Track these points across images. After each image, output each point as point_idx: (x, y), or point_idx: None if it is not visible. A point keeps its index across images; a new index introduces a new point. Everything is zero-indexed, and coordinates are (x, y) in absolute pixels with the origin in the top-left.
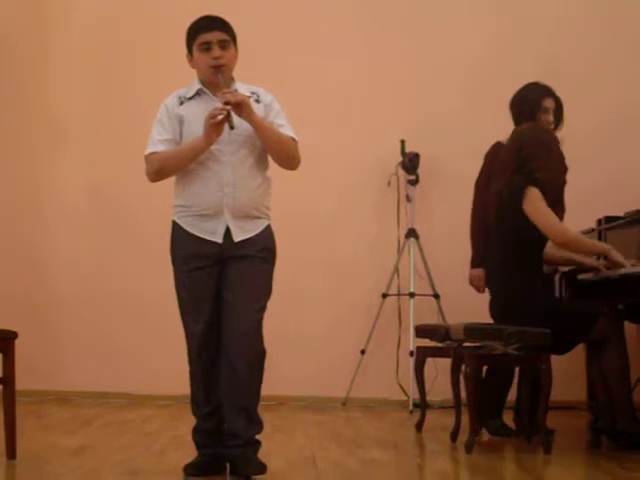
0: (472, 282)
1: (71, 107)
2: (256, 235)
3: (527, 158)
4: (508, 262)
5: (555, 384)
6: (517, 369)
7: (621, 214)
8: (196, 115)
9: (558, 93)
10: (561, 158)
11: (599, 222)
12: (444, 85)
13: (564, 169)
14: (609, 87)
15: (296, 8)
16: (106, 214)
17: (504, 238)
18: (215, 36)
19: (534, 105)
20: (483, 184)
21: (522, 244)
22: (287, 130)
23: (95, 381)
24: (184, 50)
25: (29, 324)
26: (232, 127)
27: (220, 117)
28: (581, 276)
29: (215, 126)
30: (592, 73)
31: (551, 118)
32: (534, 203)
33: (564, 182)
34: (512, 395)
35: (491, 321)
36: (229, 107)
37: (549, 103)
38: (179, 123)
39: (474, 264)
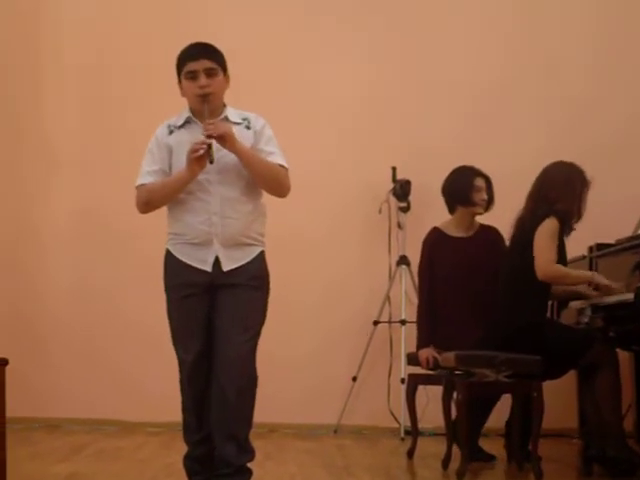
0: (424, 361)
1: (63, 131)
2: (247, 263)
3: (548, 189)
4: (519, 288)
5: (546, 412)
6: (506, 397)
7: (612, 241)
8: (184, 145)
9: (553, 119)
10: (577, 196)
11: (590, 249)
12: (436, 113)
13: (578, 208)
14: (608, 113)
15: (291, 32)
16: (100, 236)
17: (520, 263)
18: (201, 65)
19: (466, 187)
20: (426, 270)
21: (531, 273)
22: (277, 157)
23: (86, 408)
24: (176, 76)
25: (20, 350)
26: (212, 161)
27: (201, 152)
28: (573, 303)
29: (196, 160)
30: (589, 102)
31: (485, 196)
32: (545, 231)
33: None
34: (502, 422)
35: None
36: (210, 141)
37: (480, 182)
38: (168, 153)
39: (423, 343)
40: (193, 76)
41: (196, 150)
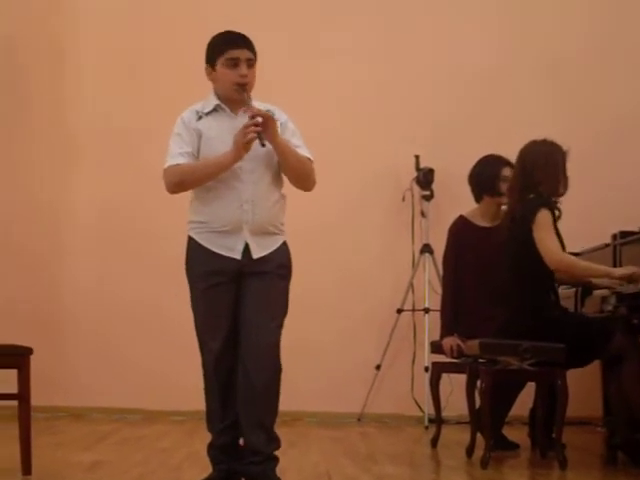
0: (448, 349)
1: (85, 124)
2: (273, 252)
3: (531, 173)
4: (520, 279)
5: (570, 400)
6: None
7: (636, 229)
8: (215, 131)
9: (572, 102)
10: (561, 171)
11: (614, 237)
12: (459, 100)
13: (563, 182)
14: (622, 95)
15: (311, 19)
16: (120, 231)
17: (516, 255)
18: (244, 54)
19: (494, 176)
20: (451, 258)
21: (533, 261)
22: (304, 151)
23: (110, 397)
24: (198, 67)
25: (44, 340)
26: (263, 144)
27: (254, 135)
28: (597, 292)
29: (247, 143)
30: (607, 80)
31: None
32: (541, 227)
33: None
34: (526, 410)
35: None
36: (259, 127)
37: (507, 172)
38: (197, 137)
39: (447, 332)
40: (235, 64)
41: (249, 132)
